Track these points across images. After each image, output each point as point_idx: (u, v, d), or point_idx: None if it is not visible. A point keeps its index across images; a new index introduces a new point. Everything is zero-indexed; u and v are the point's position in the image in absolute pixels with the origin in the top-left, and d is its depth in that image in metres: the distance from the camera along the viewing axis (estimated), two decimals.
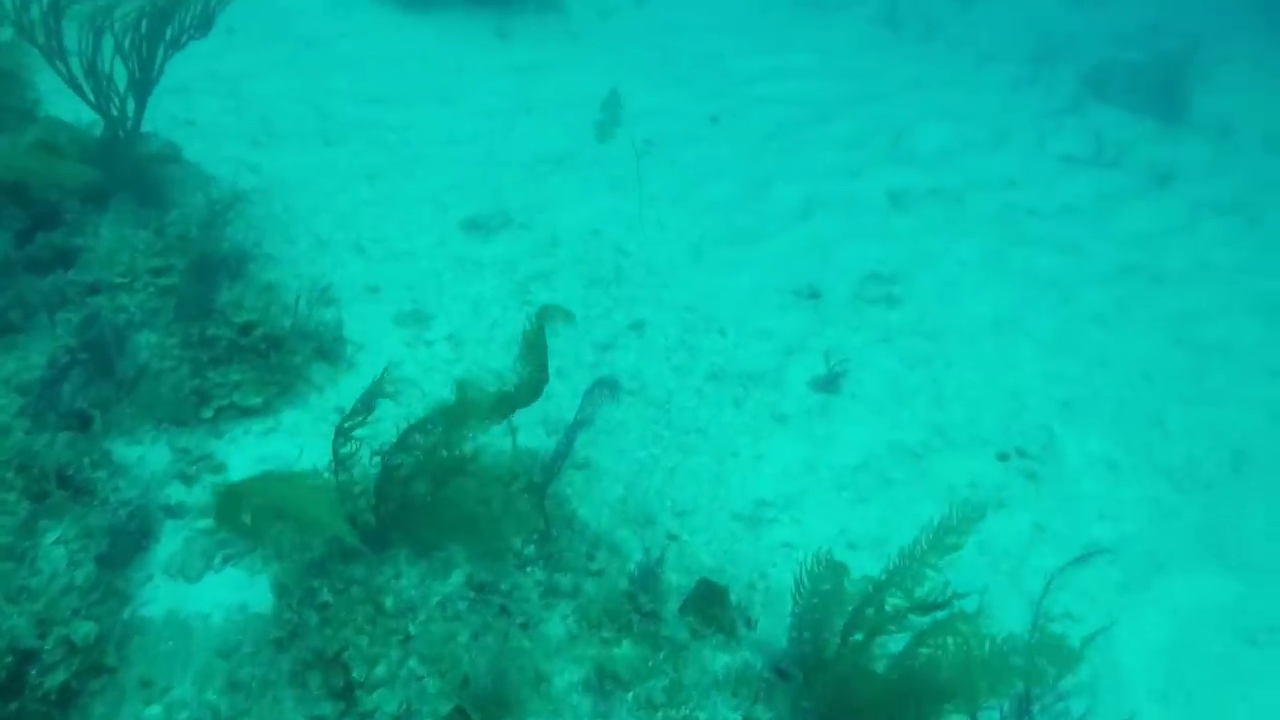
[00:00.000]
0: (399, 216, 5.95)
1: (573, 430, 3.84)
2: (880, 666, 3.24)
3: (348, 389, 4.54)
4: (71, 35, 4.73)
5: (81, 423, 3.63)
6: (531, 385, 3.20)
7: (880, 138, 8.58)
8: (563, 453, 3.70)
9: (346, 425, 3.23)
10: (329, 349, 4.63)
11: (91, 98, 4.87)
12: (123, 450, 3.80)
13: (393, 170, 6.41)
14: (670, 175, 7.12)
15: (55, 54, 4.65)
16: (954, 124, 9.27)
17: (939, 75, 10.40)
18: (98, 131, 5.08)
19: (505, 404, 3.22)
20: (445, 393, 4.67)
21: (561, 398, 4.69)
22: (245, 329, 4.24)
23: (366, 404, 3.10)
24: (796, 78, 9.36)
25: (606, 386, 4.56)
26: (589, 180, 6.82)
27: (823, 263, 6.55)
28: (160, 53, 4.83)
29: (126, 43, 4.64)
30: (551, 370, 4.97)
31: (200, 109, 6.66)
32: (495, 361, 4.92)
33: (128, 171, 5.03)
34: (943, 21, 12.08)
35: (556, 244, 6.03)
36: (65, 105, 5.01)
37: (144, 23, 4.58)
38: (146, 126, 5.14)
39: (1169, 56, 11.77)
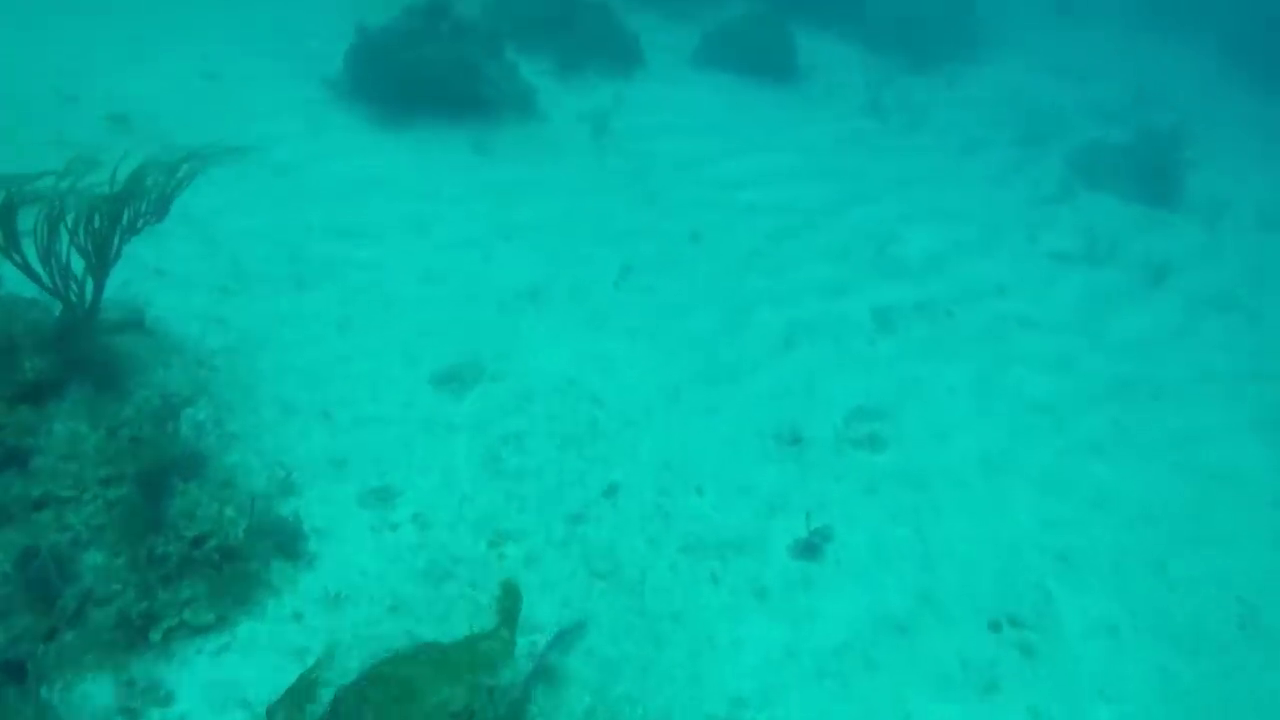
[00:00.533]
0: (368, 373, 5.86)
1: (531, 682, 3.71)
2: None
3: (308, 589, 4.41)
4: (26, 219, 4.67)
5: (16, 674, 3.50)
6: None
7: (866, 246, 8.51)
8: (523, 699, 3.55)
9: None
10: (289, 545, 4.51)
11: (49, 283, 4.80)
12: (62, 694, 3.66)
13: (363, 317, 6.33)
14: (649, 306, 7.03)
15: (12, 247, 4.59)
16: (941, 224, 9.21)
17: (925, 168, 10.36)
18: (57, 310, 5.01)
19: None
20: (408, 588, 4.55)
21: (531, 590, 4.55)
22: (197, 541, 4.12)
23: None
24: (780, 181, 9.31)
25: (571, 634, 4.43)
26: (566, 316, 6.74)
27: (806, 399, 6.43)
28: (116, 239, 4.77)
29: (81, 233, 4.58)
30: (519, 557, 4.86)
31: (171, 254, 6.60)
32: (463, 547, 4.79)
33: (86, 354, 4.94)
34: (928, 105, 12.09)
35: (530, 397, 5.92)
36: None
37: (97, 216, 4.51)
38: (116, 278, 5.06)
39: (1157, 135, 11.76)
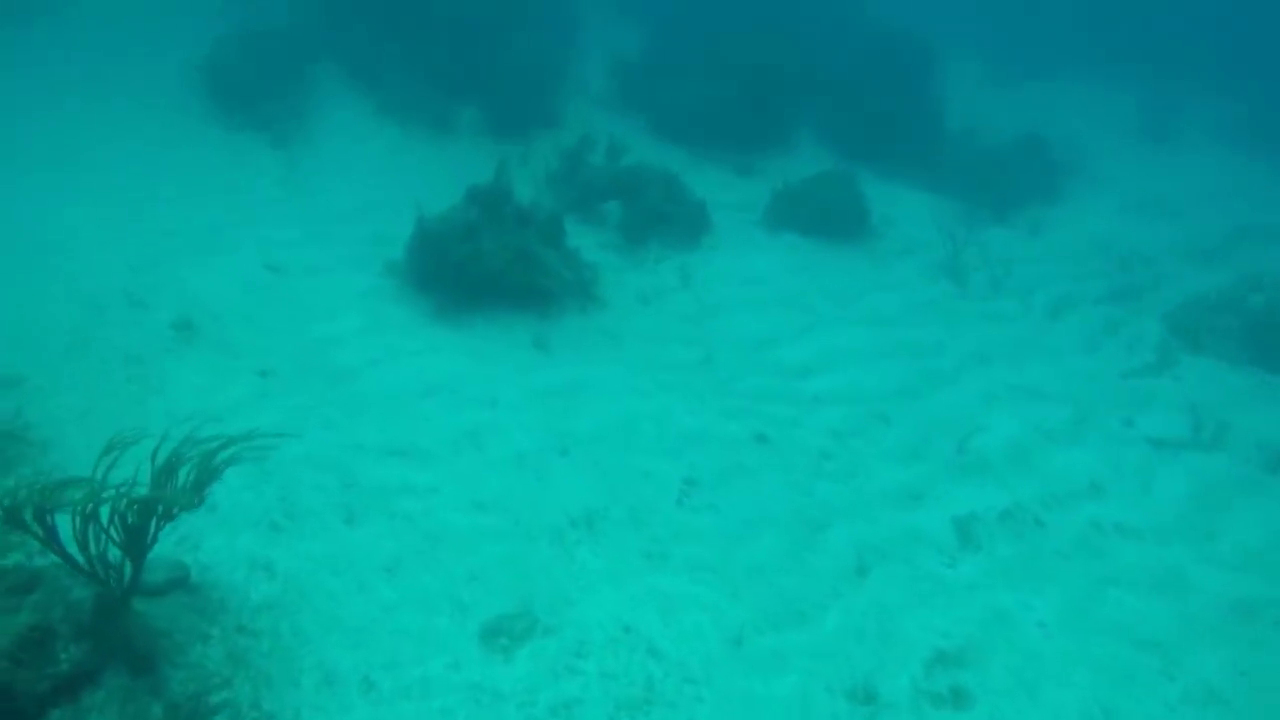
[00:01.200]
0: (415, 628, 5.66)
1: None
2: None
3: None
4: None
5: None
6: None
7: (944, 440, 8.10)
8: None
9: None
10: None
11: (86, 568, 4.76)
12: None
13: (413, 557, 6.18)
14: (711, 529, 6.73)
15: (51, 540, 4.57)
16: (1027, 405, 8.76)
17: (1007, 338, 9.95)
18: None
19: None
20: None
21: None
22: None
23: None
24: (850, 362, 9.02)
25: None
26: (624, 547, 6.48)
27: (881, 643, 6.00)
28: (152, 526, 4.72)
29: (115, 530, 4.54)
30: None
31: (223, 482, 6.58)
32: None
33: (124, 636, 4.86)
34: (1008, 259, 11.72)
35: (584, 652, 5.64)
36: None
37: (130, 514, 4.47)
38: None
39: (1266, 281, 11.10)
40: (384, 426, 7.34)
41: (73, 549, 4.57)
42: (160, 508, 4.65)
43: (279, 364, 7.84)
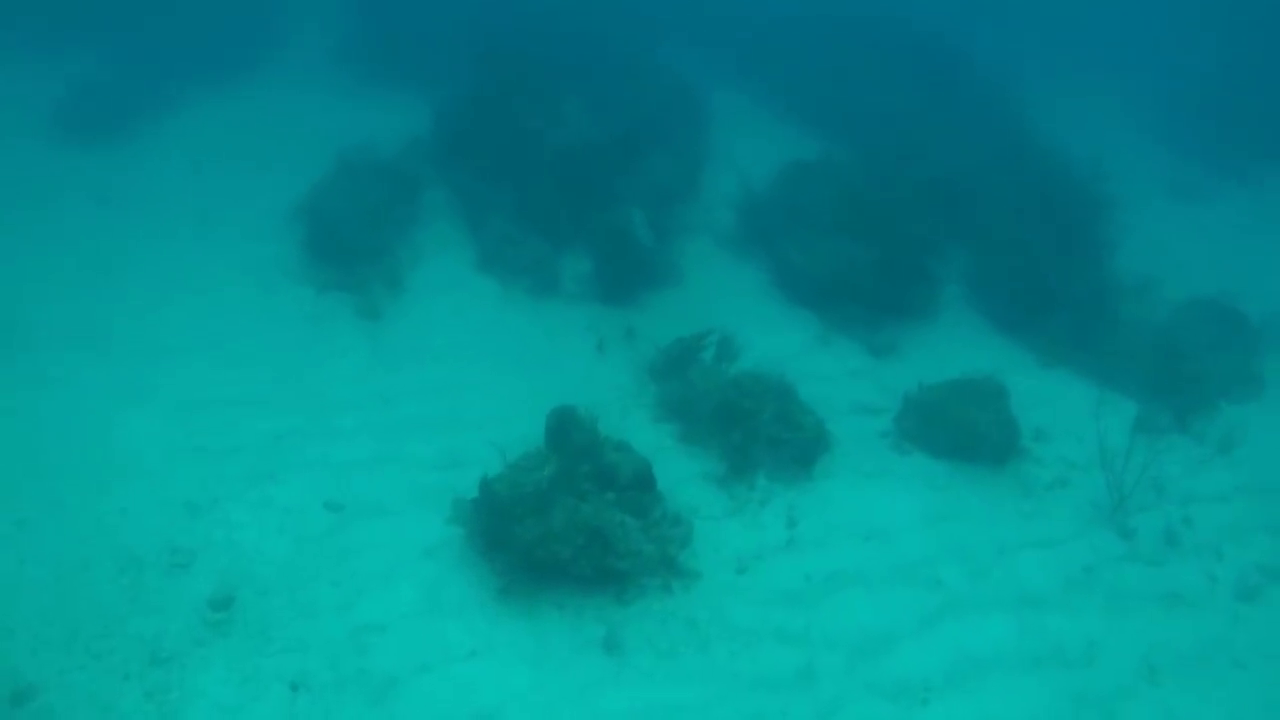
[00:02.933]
0: None
1: None
2: None
3: None
4: None
5: None
6: None
7: None
8: None
9: None
10: None
11: None
12: None
13: None
14: None
15: None
16: None
17: (1185, 637, 8.31)
18: None
19: None
20: None
21: None
22: None
23: None
24: (984, 678, 7.65)
25: None
26: None
27: None
28: None
29: None
30: None
31: None
32: None
33: None
34: (1193, 494, 10.00)
35: None
36: None
37: None
38: None
39: None
40: None
41: None
42: None
43: (315, 667, 7.11)
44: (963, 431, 9.85)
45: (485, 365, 10.82)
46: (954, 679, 7.62)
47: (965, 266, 13.14)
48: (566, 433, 8.47)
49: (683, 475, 9.35)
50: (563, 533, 7.62)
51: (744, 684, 7.38)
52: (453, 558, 8.18)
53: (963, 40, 19.81)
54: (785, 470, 9.51)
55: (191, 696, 6.80)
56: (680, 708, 7.12)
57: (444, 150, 14.05)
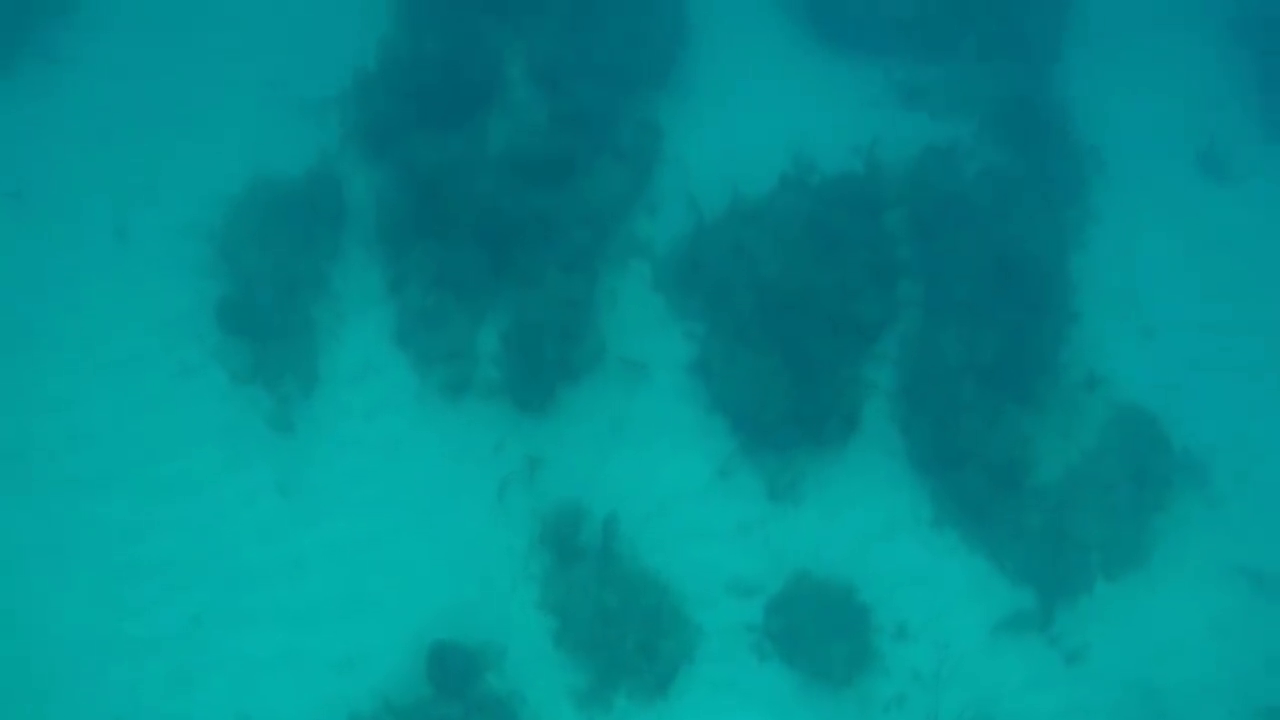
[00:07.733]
0: None
1: None
2: None
3: None
4: None
5: None
6: None
7: None
8: None
9: None
10: None
11: None
12: None
13: None
14: None
15: None
16: None
17: None
18: None
19: None
20: None
21: None
22: None
23: None
24: None
25: None
26: None
27: None
28: None
29: None
30: None
31: None
32: None
33: None
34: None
35: None
36: None
37: None
38: None
39: None
40: None
41: None
42: None
43: None
44: (817, 659, 11.17)
45: (393, 513, 11.80)
46: None
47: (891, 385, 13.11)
48: (446, 670, 10.04)
49: (550, 688, 10.92)
50: None
51: None
52: None
53: None
54: (644, 689, 11.05)
55: None
56: None
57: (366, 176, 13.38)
